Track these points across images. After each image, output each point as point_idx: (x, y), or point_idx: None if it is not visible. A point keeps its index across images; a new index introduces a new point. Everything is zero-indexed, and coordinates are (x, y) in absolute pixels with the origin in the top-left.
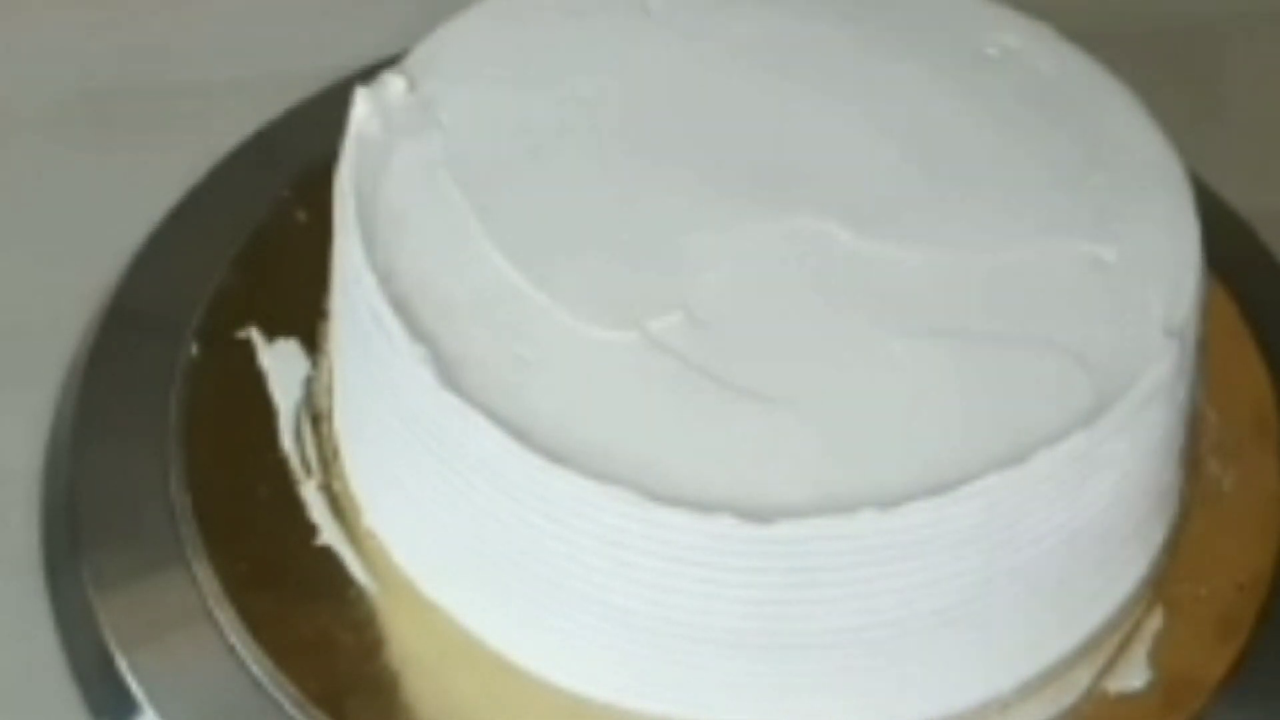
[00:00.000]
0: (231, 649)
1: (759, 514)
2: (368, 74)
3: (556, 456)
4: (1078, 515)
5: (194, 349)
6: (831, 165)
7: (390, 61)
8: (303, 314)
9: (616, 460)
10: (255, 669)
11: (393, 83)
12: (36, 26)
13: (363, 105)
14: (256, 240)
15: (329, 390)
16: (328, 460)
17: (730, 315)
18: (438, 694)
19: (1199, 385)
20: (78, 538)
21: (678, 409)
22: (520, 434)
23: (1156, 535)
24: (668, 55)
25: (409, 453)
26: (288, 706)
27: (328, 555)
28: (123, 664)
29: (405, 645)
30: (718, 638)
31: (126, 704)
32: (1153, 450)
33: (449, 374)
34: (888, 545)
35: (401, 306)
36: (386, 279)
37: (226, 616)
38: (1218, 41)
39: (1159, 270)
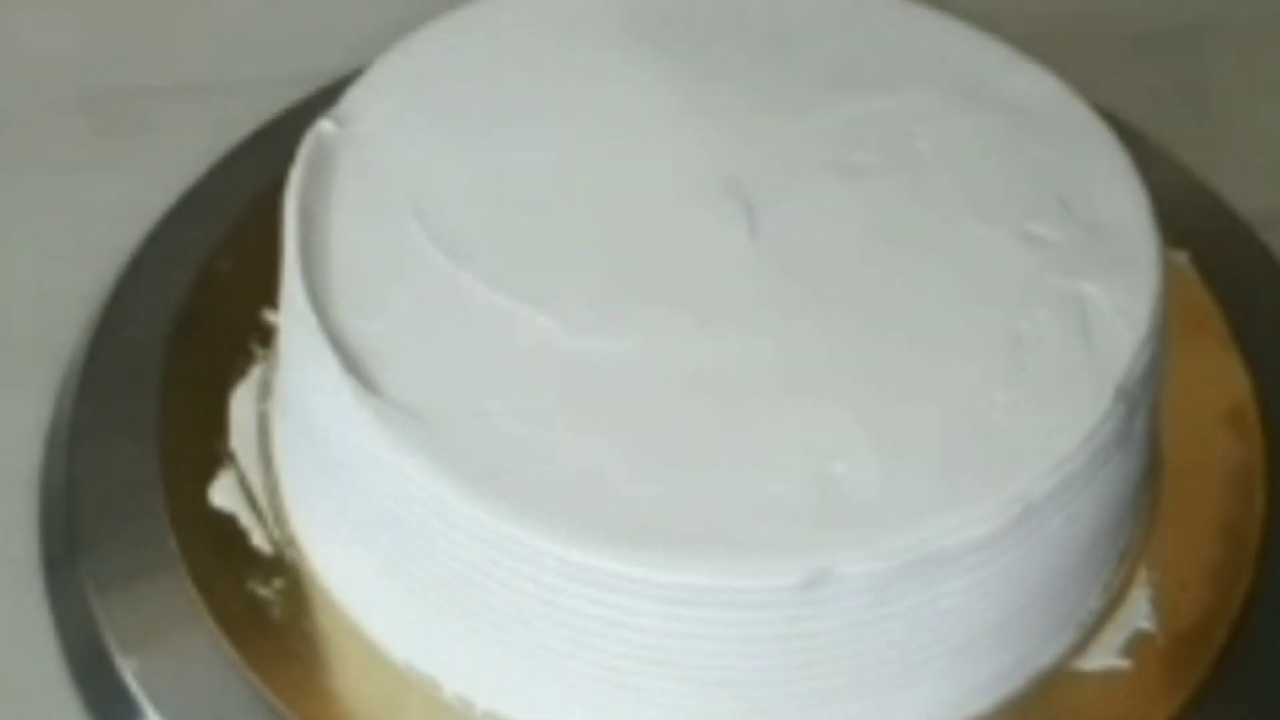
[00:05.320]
0: (230, 650)
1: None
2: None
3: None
4: (1031, 562)
5: (192, 348)
6: (790, 194)
7: None
8: None
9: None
10: (253, 670)
11: (326, 127)
12: (36, 26)
13: (302, 157)
14: (254, 240)
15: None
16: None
17: (702, 345)
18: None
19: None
20: (76, 538)
21: (647, 445)
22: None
23: (1111, 564)
24: (623, 78)
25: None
26: (284, 708)
27: None
28: (121, 665)
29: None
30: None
31: (125, 705)
32: (1111, 493)
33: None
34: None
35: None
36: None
37: (224, 617)
38: (1218, 42)
39: (1110, 336)
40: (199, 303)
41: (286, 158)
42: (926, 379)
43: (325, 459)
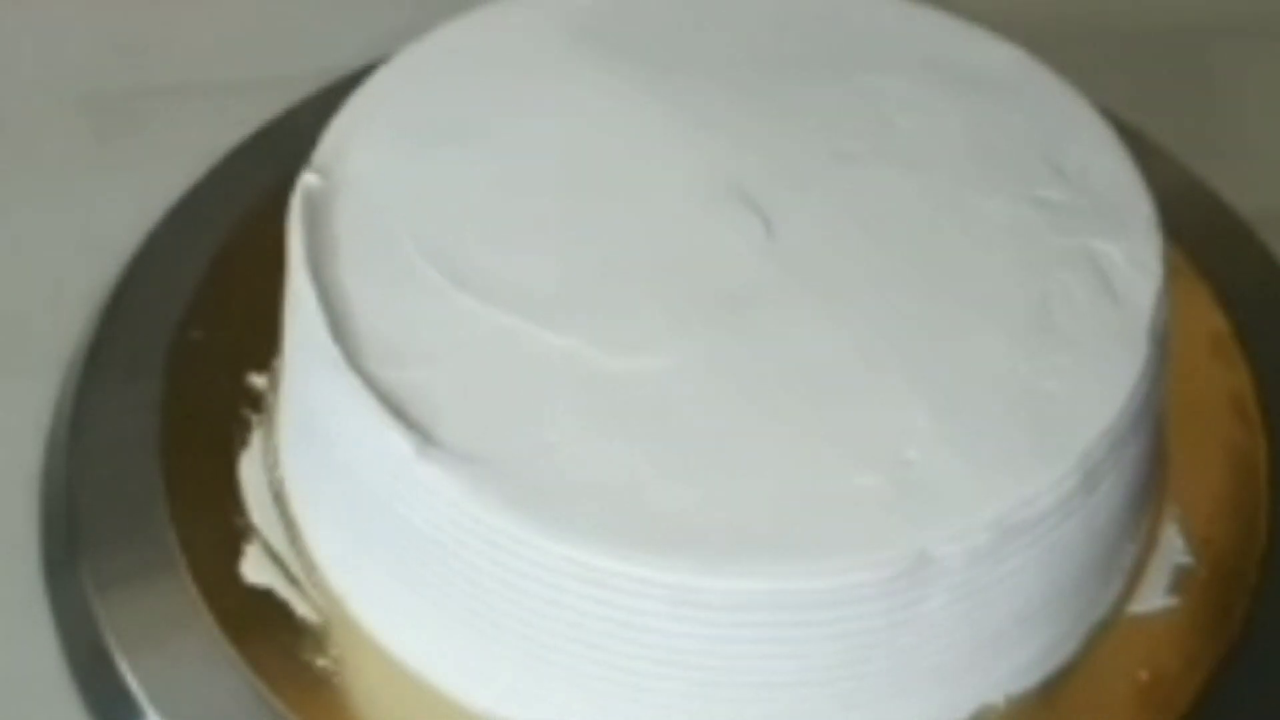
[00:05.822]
0: (230, 650)
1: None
2: (366, 74)
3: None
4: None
5: (192, 348)
6: (794, 191)
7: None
8: None
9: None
10: (254, 671)
11: (312, 181)
12: (36, 26)
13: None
14: (254, 240)
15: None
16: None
17: (745, 351)
18: None
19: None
20: (77, 538)
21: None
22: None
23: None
24: (605, 92)
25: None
26: (284, 708)
27: None
28: (122, 664)
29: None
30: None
31: (126, 705)
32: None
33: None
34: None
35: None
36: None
37: (223, 617)
38: (1217, 41)
39: (1131, 287)
40: (199, 302)
41: (287, 158)
42: (970, 354)
43: (382, 516)
